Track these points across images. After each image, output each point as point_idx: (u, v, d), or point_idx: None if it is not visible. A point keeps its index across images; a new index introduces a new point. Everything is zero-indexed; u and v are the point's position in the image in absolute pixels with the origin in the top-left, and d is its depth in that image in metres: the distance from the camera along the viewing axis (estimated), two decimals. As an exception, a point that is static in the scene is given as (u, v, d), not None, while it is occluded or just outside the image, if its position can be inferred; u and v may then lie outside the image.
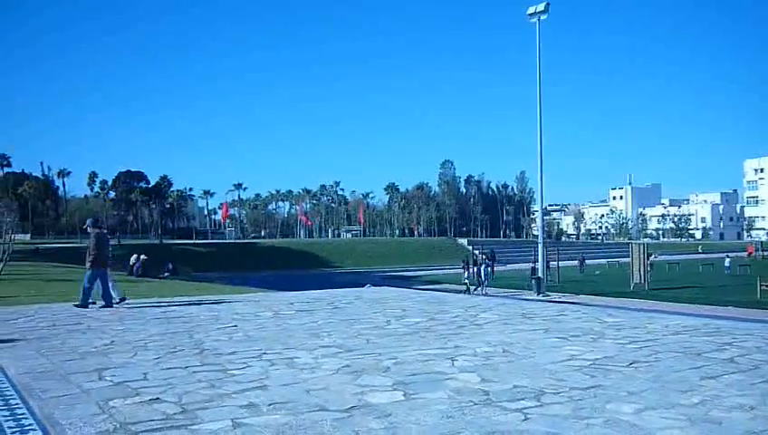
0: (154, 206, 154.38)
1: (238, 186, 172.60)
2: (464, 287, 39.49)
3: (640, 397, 6.78)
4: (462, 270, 52.96)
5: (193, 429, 5.70)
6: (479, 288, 38.51)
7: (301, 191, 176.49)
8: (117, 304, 16.53)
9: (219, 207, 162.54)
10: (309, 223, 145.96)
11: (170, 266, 46.76)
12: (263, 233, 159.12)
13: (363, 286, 23.83)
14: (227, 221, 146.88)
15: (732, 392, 6.93)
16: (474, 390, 7.14)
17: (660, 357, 9.01)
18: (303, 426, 5.76)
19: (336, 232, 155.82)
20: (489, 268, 53.08)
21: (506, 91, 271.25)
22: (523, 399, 6.72)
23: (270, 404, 6.51)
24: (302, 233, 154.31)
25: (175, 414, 6.17)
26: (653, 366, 8.40)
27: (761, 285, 36.22)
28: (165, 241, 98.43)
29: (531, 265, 48.08)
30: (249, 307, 16.41)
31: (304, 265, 74.19)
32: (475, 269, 41.38)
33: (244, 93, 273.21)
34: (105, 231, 17.84)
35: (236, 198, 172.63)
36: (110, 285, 16.56)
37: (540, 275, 40.68)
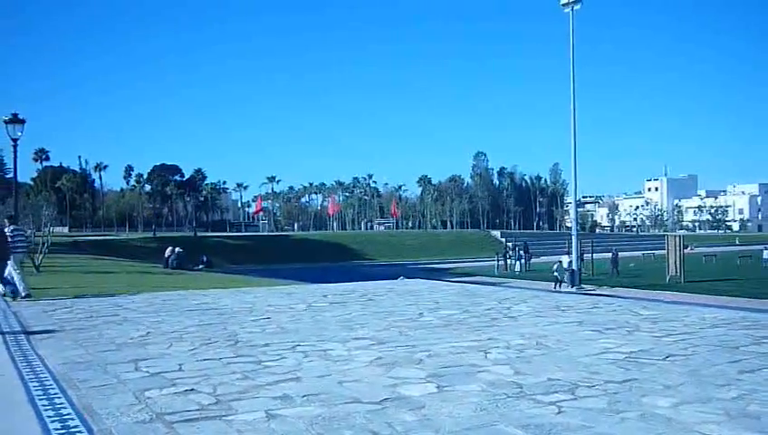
0: (188, 199, 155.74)
1: (272, 179, 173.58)
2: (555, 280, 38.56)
3: (676, 391, 6.70)
4: (495, 262, 52.96)
5: (227, 419, 5.75)
6: (564, 284, 37.51)
7: (334, 184, 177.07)
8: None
9: (253, 200, 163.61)
10: (333, 211, 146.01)
11: (205, 259, 47.23)
12: (296, 225, 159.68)
13: (396, 279, 23.84)
14: (261, 214, 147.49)
15: (770, 387, 6.83)
16: (507, 382, 7.10)
17: (697, 350, 8.90)
18: (337, 418, 5.77)
19: (369, 224, 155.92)
20: (527, 260, 52.96)
21: (540, 83, 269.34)
22: (557, 392, 6.68)
23: (303, 396, 6.53)
24: (334, 225, 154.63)
25: (209, 405, 6.22)
26: (689, 359, 8.30)
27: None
28: (199, 234, 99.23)
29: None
30: (283, 299, 16.50)
31: (337, 257, 74.36)
32: (567, 263, 40.07)
33: (277, 86, 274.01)
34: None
35: (270, 190, 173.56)
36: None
37: (574, 267, 40.38)
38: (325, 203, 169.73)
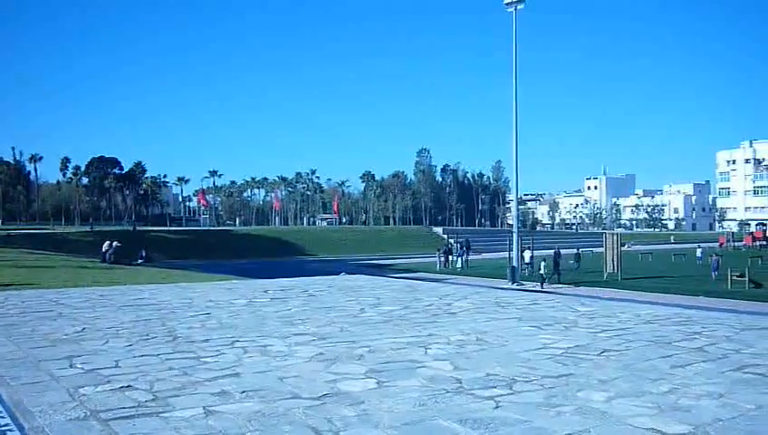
0: (128, 192, 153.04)
1: (213, 173, 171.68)
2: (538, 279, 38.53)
3: (611, 385, 6.84)
4: (436, 259, 53.26)
5: (164, 416, 5.68)
6: (545, 283, 37.47)
7: (276, 179, 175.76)
8: None
9: (194, 194, 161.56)
10: (277, 205, 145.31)
11: (144, 253, 46.55)
12: (237, 220, 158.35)
13: (338, 274, 23.83)
14: (203, 208, 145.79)
15: (701, 381, 7.02)
16: (447, 378, 7.17)
17: (631, 346, 9.11)
18: (276, 414, 5.75)
19: (311, 220, 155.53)
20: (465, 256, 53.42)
21: (483, 81, 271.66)
22: (495, 387, 6.76)
23: (242, 392, 6.49)
24: (277, 220, 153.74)
25: (146, 401, 6.14)
26: (624, 355, 8.49)
27: (731, 276, 36.66)
28: (138, 228, 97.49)
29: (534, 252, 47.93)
30: (223, 295, 16.35)
31: (279, 252, 73.91)
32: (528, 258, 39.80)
33: (218, 80, 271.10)
34: None
35: (211, 185, 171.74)
36: None
37: (514, 264, 40.84)
38: (268, 198, 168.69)
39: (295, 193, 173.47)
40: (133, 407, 5.95)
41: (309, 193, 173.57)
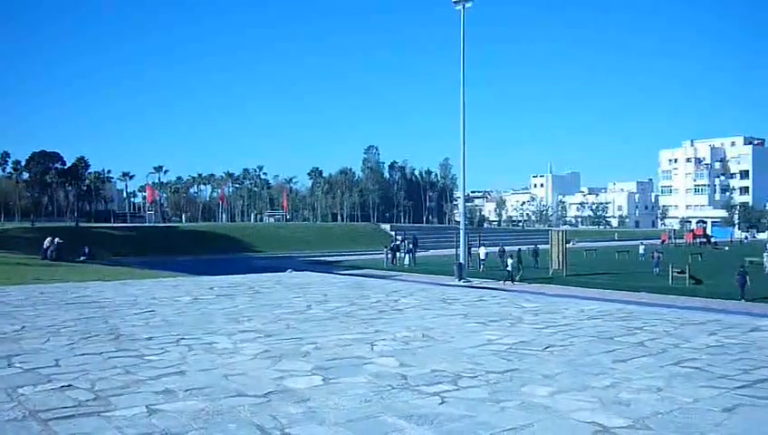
0: (70, 188, 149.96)
1: (159, 168, 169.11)
2: (505, 275, 38.76)
3: (554, 380, 6.95)
4: (384, 255, 53.36)
5: (106, 416, 5.58)
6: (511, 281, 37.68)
7: (223, 175, 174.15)
8: None
9: (139, 190, 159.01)
10: (223, 201, 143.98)
11: (87, 250, 45.75)
12: (183, 217, 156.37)
13: (285, 271, 23.71)
14: (149, 204, 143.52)
15: (641, 375, 7.17)
16: (392, 374, 7.19)
17: (575, 341, 9.26)
18: (220, 412, 5.71)
19: (259, 216, 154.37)
20: (412, 253, 53.61)
21: (432, 78, 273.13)
22: (440, 383, 6.81)
23: (187, 390, 6.43)
24: (224, 217, 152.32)
25: (87, 401, 6.03)
26: (568, 350, 8.62)
27: (672, 272, 37.49)
28: (81, 224, 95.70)
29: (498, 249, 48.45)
30: (168, 292, 16.14)
31: (226, 249, 73.20)
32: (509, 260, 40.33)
33: (164, 73, 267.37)
34: None
35: (157, 180, 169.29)
36: None
37: (461, 261, 41.14)
38: (214, 194, 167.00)
39: (242, 189, 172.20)
40: (74, 406, 5.85)
41: (256, 189, 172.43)
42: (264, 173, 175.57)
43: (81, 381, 6.79)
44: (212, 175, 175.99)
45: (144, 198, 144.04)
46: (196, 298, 14.68)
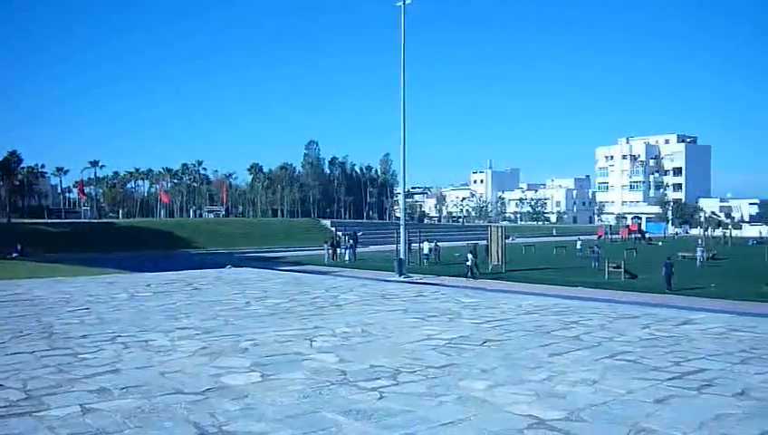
0: (1, 183, 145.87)
1: (94, 163, 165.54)
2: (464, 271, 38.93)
3: (492, 374, 7.03)
4: (324, 251, 53.21)
5: (38, 416, 5.46)
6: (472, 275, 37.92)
7: (161, 170, 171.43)
8: None
9: (74, 186, 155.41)
10: (166, 199, 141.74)
11: (19, 247, 44.73)
12: (120, 212, 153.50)
13: (224, 267, 23.50)
14: (83, 200, 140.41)
15: (576, 368, 7.30)
16: (331, 370, 7.19)
17: (512, 336, 9.38)
18: (157, 410, 5.64)
19: (198, 212, 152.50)
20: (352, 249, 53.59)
21: (372, 74, 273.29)
22: (379, 378, 6.83)
23: (122, 388, 6.33)
24: (162, 213, 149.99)
25: (19, 401, 5.90)
26: (505, 344, 8.73)
27: (608, 267, 38.21)
28: (14, 220, 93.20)
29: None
30: (104, 289, 15.85)
31: (165, 245, 71.97)
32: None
33: (100, 66, 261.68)
34: None
35: (92, 176, 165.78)
36: None
37: (401, 256, 41.24)
38: (152, 189, 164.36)
39: (181, 185, 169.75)
40: (5, 407, 5.71)
41: (195, 185, 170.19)
42: (204, 168, 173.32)
43: (13, 380, 6.64)
44: (150, 170, 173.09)
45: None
46: (132, 295, 14.45)
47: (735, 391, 6.31)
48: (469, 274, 38.05)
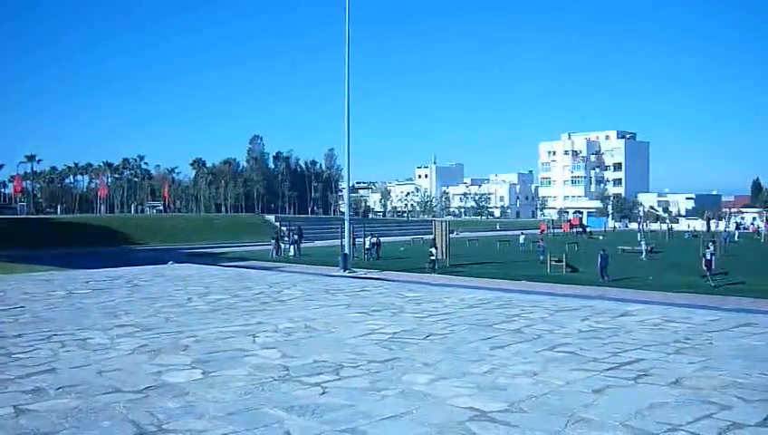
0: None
1: (31, 158, 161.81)
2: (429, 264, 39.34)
3: (434, 368, 7.07)
4: (270, 247, 52.92)
5: (-31, 417, 5.32)
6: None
7: (102, 165, 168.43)
8: None
9: (9, 180, 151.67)
10: (103, 192, 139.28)
11: (-48, 244, 43.41)
12: (59, 208, 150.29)
13: (166, 263, 23.18)
14: (19, 195, 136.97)
15: (518, 361, 7.39)
16: (274, 365, 7.15)
17: (455, 329, 9.45)
18: (95, 409, 5.53)
19: (139, 207, 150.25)
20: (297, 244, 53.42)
21: (317, 68, 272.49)
22: (322, 373, 6.82)
23: (58, 388, 6.20)
24: (102, 208, 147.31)
25: (-51, 402, 5.73)
26: (448, 338, 8.79)
27: (550, 260, 38.80)
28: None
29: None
30: (39, 286, 15.48)
31: (105, 241, 70.75)
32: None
33: (34, 59, 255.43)
34: None
35: (29, 170, 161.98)
36: None
37: (346, 251, 41.25)
38: (92, 185, 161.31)
39: (122, 180, 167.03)
40: (-66, 409, 5.54)
41: (136, 180, 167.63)
42: (145, 163, 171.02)
43: (-57, 381, 6.45)
44: (89, 165, 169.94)
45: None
46: (70, 292, 14.16)
47: (670, 381, 6.47)
48: (430, 266, 38.55)
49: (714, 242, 48.78)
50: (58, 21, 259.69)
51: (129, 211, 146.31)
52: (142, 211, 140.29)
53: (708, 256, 32.77)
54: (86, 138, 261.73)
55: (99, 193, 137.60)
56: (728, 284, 30.62)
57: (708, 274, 31.52)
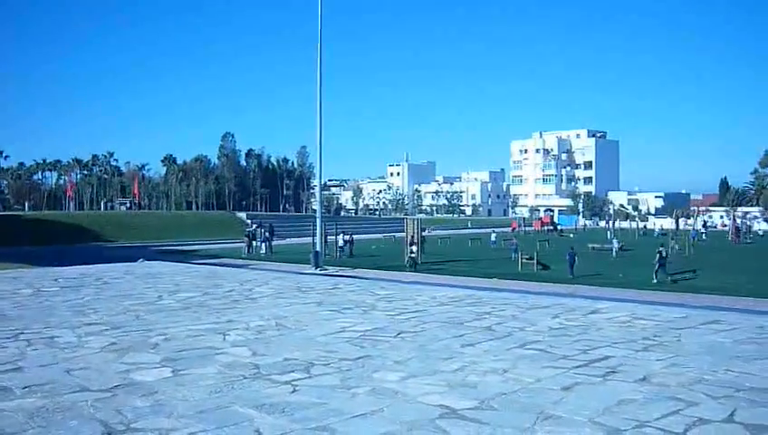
0: None
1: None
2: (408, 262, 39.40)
3: (405, 365, 7.08)
4: (243, 244, 52.69)
5: (-67, 418, 5.24)
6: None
7: (70, 161, 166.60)
8: None
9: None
10: (69, 192, 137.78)
11: None
12: (27, 205, 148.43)
13: (136, 261, 22.98)
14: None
15: (488, 358, 7.42)
16: (244, 364, 7.12)
17: (426, 327, 9.47)
18: (61, 408, 5.47)
19: (109, 204, 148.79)
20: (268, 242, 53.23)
21: (289, 66, 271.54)
22: (293, 371, 6.80)
23: (25, 387, 6.12)
24: (71, 205, 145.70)
25: None
26: (419, 336, 8.81)
27: (521, 258, 39.01)
28: None
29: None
30: (6, 284, 15.27)
31: (74, 238, 69.98)
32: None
33: (3, 53, 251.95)
34: None
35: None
36: None
37: (318, 249, 41.16)
38: (61, 181, 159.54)
39: (91, 177, 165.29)
40: None
41: (106, 177, 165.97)
42: (115, 160, 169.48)
43: None
44: (58, 161, 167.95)
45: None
46: (38, 290, 13.99)
47: (638, 377, 6.54)
48: (410, 264, 38.72)
49: (671, 241, 49.47)
50: (24, 16, 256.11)
51: (99, 208, 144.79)
52: (112, 208, 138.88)
53: (662, 255, 33.27)
54: (55, 134, 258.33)
55: (66, 191, 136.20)
56: (673, 280, 31.08)
57: (661, 273, 32.11)
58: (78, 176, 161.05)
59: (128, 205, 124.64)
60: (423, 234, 48.86)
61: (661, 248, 33.84)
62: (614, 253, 47.70)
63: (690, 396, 5.88)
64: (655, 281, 30.98)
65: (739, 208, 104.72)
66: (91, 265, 21.15)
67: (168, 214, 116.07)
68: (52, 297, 12.81)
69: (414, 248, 40.67)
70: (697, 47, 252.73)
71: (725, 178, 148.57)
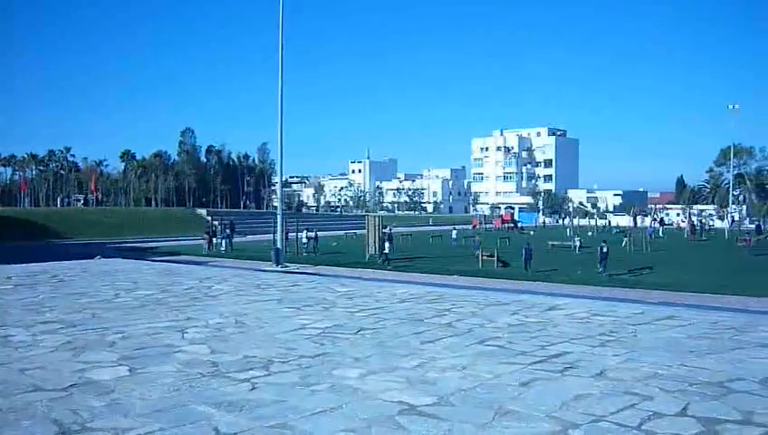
0: None
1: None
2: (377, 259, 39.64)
3: (365, 362, 7.09)
4: (203, 241, 52.24)
5: None
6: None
7: (26, 156, 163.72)
8: None
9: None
10: (24, 187, 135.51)
11: None
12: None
13: (93, 258, 22.67)
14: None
15: (447, 354, 7.46)
16: (203, 361, 7.07)
17: (386, 324, 9.49)
18: (14, 408, 5.38)
19: (66, 200, 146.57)
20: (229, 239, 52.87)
21: (250, 61, 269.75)
22: (252, 369, 6.77)
23: (-23, 387, 6.01)
24: (26, 201, 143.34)
25: None
26: (379, 332, 8.82)
27: (482, 256, 39.22)
28: None
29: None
30: (-40, 282, 14.99)
31: (29, 235, 68.76)
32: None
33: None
34: None
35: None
36: None
37: (278, 246, 40.96)
38: (16, 177, 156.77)
39: (47, 172, 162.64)
40: None
41: (63, 172, 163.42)
42: (72, 155, 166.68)
43: None
44: (13, 156, 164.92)
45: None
46: (-9, 288, 13.74)
47: (594, 373, 6.62)
48: (382, 260, 38.85)
49: (624, 238, 50.54)
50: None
51: (55, 204, 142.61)
52: (68, 204, 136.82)
53: (603, 250, 34.20)
54: (10, 129, 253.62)
55: (22, 187, 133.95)
56: (617, 275, 31.91)
57: (602, 267, 33.00)
58: (34, 172, 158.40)
59: (83, 201, 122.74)
60: (388, 231, 48.93)
61: (603, 244, 34.77)
62: (576, 250, 48.34)
63: (645, 390, 5.97)
64: (598, 271, 32.37)
65: (695, 206, 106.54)
66: (46, 263, 20.80)
67: (127, 210, 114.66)
68: (6, 296, 12.59)
69: (387, 245, 40.80)
70: (655, 47, 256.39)
71: (682, 176, 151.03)
